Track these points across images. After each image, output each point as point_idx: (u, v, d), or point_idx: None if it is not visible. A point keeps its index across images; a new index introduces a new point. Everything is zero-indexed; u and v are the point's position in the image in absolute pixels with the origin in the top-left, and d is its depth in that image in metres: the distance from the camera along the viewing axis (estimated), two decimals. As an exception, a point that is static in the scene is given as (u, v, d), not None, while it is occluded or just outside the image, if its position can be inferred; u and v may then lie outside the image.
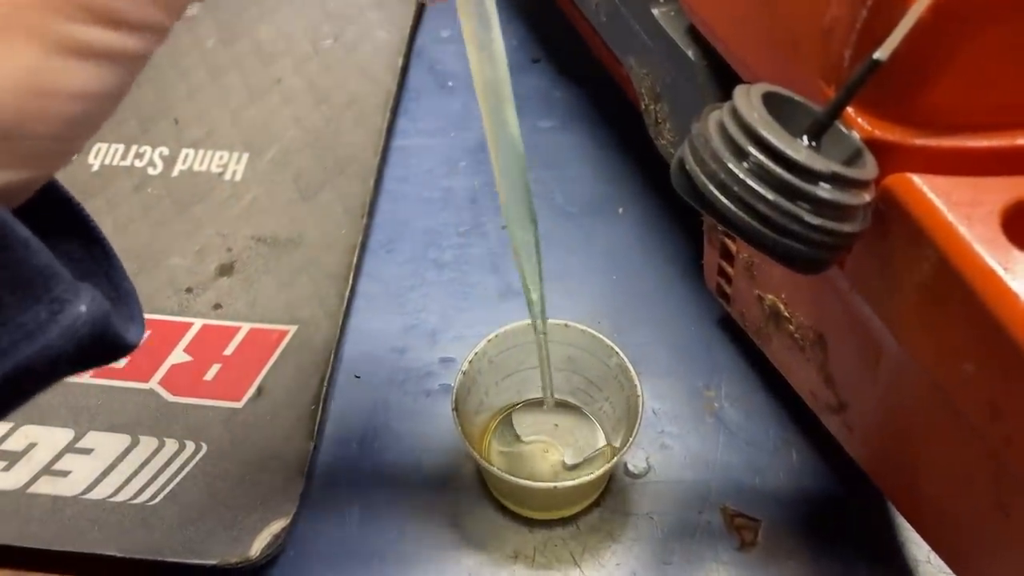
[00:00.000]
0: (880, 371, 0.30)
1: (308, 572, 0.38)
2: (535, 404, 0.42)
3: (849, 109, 0.24)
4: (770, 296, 0.35)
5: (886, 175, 0.24)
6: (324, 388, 0.42)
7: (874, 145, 0.24)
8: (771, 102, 0.23)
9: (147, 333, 0.43)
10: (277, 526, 0.37)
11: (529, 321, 0.38)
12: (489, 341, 0.38)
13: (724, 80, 0.33)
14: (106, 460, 0.40)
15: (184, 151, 0.53)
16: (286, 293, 0.46)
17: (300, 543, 0.39)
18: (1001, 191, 0.23)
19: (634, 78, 0.40)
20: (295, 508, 0.38)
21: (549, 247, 0.49)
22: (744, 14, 0.29)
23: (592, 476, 0.35)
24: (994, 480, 0.26)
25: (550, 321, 0.39)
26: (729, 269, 0.39)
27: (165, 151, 0.53)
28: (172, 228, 0.49)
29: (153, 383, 0.43)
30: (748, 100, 0.23)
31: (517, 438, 0.41)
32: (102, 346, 0.20)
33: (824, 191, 0.22)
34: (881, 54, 0.22)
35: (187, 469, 0.40)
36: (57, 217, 0.21)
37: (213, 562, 0.36)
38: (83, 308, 0.19)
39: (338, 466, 0.41)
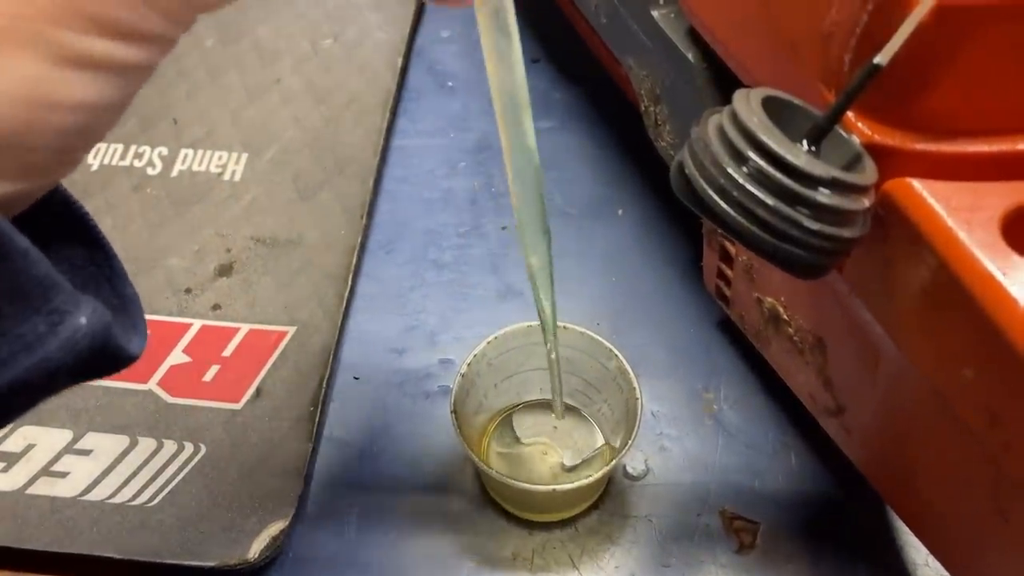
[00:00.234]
0: (879, 375, 0.30)
1: (306, 574, 0.38)
2: (535, 406, 0.42)
3: (849, 113, 0.24)
4: (769, 299, 0.35)
5: (886, 180, 0.24)
6: (323, 389, 0.42)
7: (874, 150, 0.24)
8: (771, 106, 0.23)
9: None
10: (276, 528, 0.37)
11: (528, 323, 0.38)
12: (488, 343, 0.38)
13: (724, 83, 0.33)
14: (105, 461, 0.40)
15: (183, 151, 0.53)
16: (285, 294, 0.46)
17: (299, 545, 0.39)
18: (1001, 196, 0.23)
19: (634, 80, 0.40)
20: (293, 510, 0.38)
21: (548, 248, 0.49)
22: (744, 17, 0.29)
23: (591, 479, 0.35)
24: (993, 485, 0.26)
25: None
26: (728, 272, 0.39)
27: (164, 151, 0.53)
28: (171, 228, 0.49)
29: (152, 384, 0.43)
30: (748, 104, 0.23)
31: (516, 440, 0.41)
32: (102, 358, 0.20)
33: (823, 196, 0.22)
34: (881, 59, 0.22)
35: (186, 471, 0.40)
36: (59, 221, 0.21)
37: (211, 564, 0.36)
38: (83, 320, 0.19)
39: (337, 468, 0.41)
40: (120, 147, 0.53)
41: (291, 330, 0.45)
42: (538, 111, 0.55)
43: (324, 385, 0.42)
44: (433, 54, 0.60)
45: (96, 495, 0.39)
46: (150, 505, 0.38)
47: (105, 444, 0.40)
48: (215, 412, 0.42)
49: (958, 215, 0.23)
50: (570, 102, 0.57)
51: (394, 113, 0.56)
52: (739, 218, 0.23)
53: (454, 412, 0.36)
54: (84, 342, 0.19)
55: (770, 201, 0.22)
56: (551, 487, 0.35)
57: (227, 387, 0.42)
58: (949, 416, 0.26)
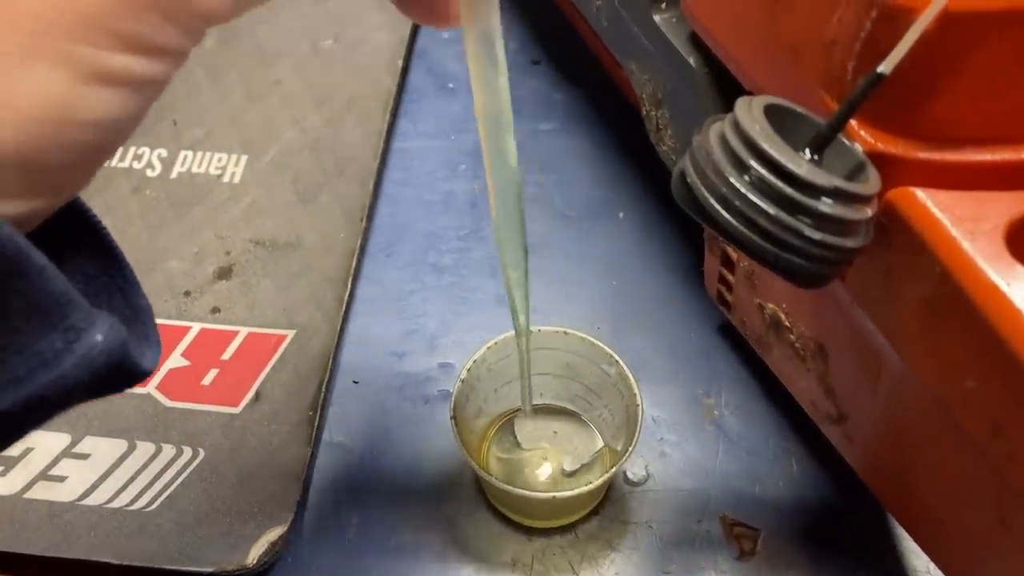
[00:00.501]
0: (881, 384, 0.29)
1: (305, 579, 0.38)
2: (535, 410, 0.42)
3: (852, 121, 0.24)
4: (771, 305, 0.35)
5: (889, 189, 0.24)
6: (322, 393, 0.42)
7: (877, 158, 0.24)
8: (773, 114, 0.23)
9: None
10: (274, 533, 0.37)
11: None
12: (488, 348, 0.38)
13: (725, 88, 0.33)
14: (103, 466, 0.40)
15: (183, 153, 0.53)
16: (284, 297, 0.46)
17: (297, 550, 0.38)
18: (1006, 206, 0.23)
19: (635, 83, 0.40)
20: (292, 515, 0.38)
21: (548, 251, 0.49)
22: (746, 22, 0.29)
23: (591, 486, 0.35)
24: (996, 495, 0.26)
25: (548, 328, 0.39)
26: (730, 277, 0.39)
27: (164, 153, 0.53)
28: (170, 230, 0.49)
29: (150, 388, 0.42)
30: (750, 112, 0.23)
31: (516, 444, 0.41)
32: (118, 374, 0.20)
33: (826, 206, 0.22)
34: (885, 67, 0.22)
35: (184, 475, 0.39)
36: (72, 229, 0.21)
37: (210, 570, 0.36)
38: (99, 337, 0.19)
39: (336, 473, 0.41)
40: (119, 148, 0.53)
41: (290, 333, 0.44)
42: (539, 113, 0.56)
43: (323, 389, 0.42)
44: (434, 55, 0.60)
45: (94, 499, 0.38)
46: (148, 510, 0.38)
47: (103, 448, 0.40)
48: (214, 416, 0.41)
49: (962, 225, 0.23)
50: (571, 103, 0.57)
51: (394, 115, 0.55)
52: (740, 227, 0.22)
53: (454, 418, 0.36)
54: (100, 359, 0.19)
55: (772, 210, 0.22)
56: (551, 494, 0.35)
57: (226, 391, 0.42)
58: (951, 425, 0.26)
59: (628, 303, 0.47)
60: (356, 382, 0.44)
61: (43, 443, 0.40)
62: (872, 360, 0.29)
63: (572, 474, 0.40)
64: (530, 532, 0.39)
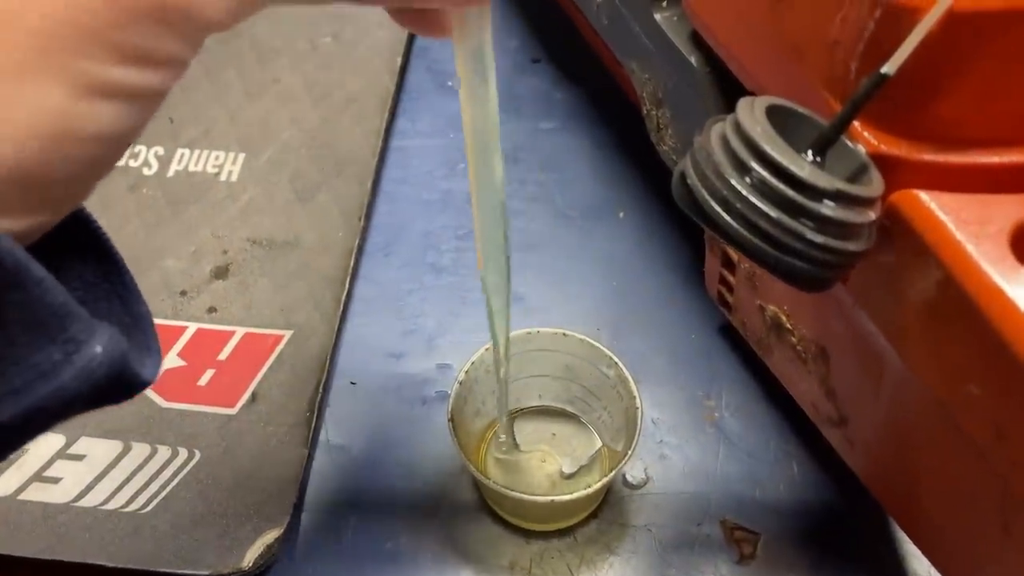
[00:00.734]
0: (883, 387, 0.29)
1: (301, 582, 0.38)
2: (534, 412, 0.42)
3: (855, 123, 0.24)
4: (772, 307, 0.35)
5: (892, 191, 0.24)
6: (319, 394, 0.42)
7: (880, 160, 0.23)
8: (775, 115, 0.23)
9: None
10: (270, 536, 0.37)
11: (527, 330, 0.38)
12: (487, 349, 0.38)
13: (727, 87, 0.32)
14: (98, 467, 0.39)
15: (180, 151, 0.52)
16: (281, 297, 0.46)
17: (293, 553, 0.38)
18: (1011, 209, 0.23)
19: (636, 82, 0.39)
20: (288, 517, 0.37)
21: (548, 251, 0.49)
22: (749, 21, 0.29)
23: (590, 490, 0.34)
24: (999, 500, 0.25)
25: (547, 329, 0.38)
26: (731, 278, 0.39)
27: (160, 151, 0.52)
28: (167, 229, 0.49)
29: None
30: (751, 113, 0.23)
31: (515, 446, 0.40)
32: (118, 385, 0.20)
33: (828, 208, 0.22)
34: (889, 68, 0.21)
35: (180, 476, 0.39)
36: (73, 236, 0.21)
37: (205, 572, 0.36)
38: (99, 349, 0.18)
39: (333, 474, 0.41)
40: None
41: (287, 334, 0.44)
42: (539, 112, 0.56)
43: (320, 390, 0.42)
44: (433, 53, 0.59)
45: (89, 501, 0.38)
46: (143, 512, 0.38)
47: (98, 449, 0.40)
48: (210, 417, 0.41)
49: (967, 228, 0.23)
50: (571, 102, 0.56)
51: (393, 113, 0.55)
52: (741, 230, 0.22)
53: (451, 420, 0.36)
54: (100, 371, 0.18)
55: (773, 213, 0.22)
56: (549, 498, 0.34)
57: (222, 392, 0.42)
58: (954, 430, 0.26)
59: (628, 303, 0.47)
60: (353, 383, 0.44)
61: (38, 444, 0.40)
62: (874, 363, 0.29)
63: (571, 476, 0.39)
64: (528, 535, 0.39)
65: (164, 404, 0.42)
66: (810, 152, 0.22)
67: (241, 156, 0.52)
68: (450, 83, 0.58)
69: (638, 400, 0.36)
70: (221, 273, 0.47)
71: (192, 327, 0.45)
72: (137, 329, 0.22)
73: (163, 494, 0.39)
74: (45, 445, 0.40)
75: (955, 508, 0.29)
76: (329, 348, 0.43)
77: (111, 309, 0.22)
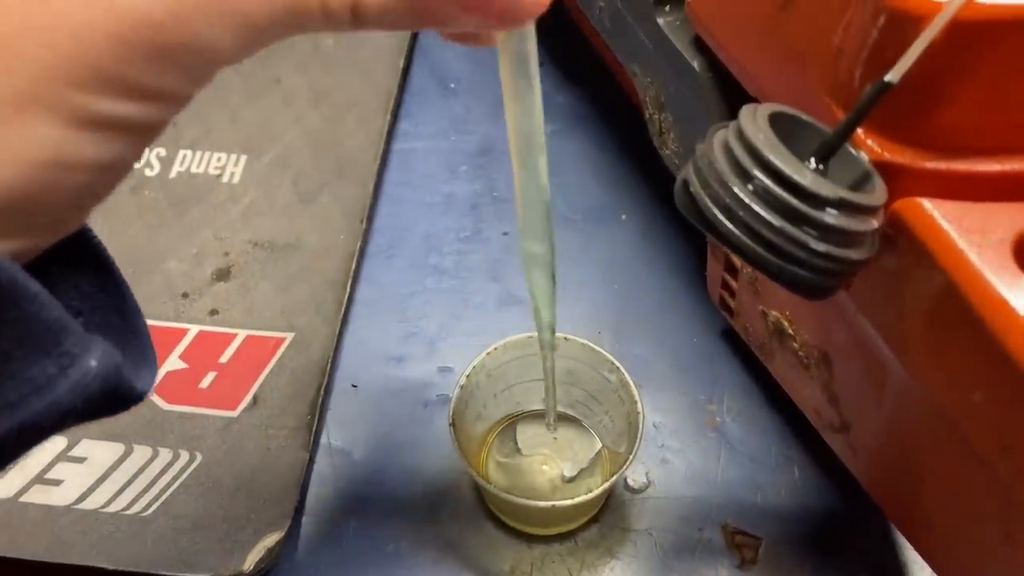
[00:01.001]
0: (886, 394, 0.29)
1: (302, 585, 0.38)
2: (536, 416, 0.42)
3: (858, 130, 0.24)
4: (774, 312, 0.35)
5: (896, 199, 0.24)
6: (321, 397, 0.42)
7: (884, 168, 0.23)
8: (778, 122, 0.23)
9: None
10: (271, 539, 0.37)
11: (528, 334, 0.38)
12: (488, 353, 0.38)
13: (729, 92, 0.32)
14: (99, 469, 0.39)
15: (182, 152, 0.52)
16: (283, 299, 0.46)
17: (294, 556, 0.38)
18: (1014, 218, 0.23)
19: (638, 86, 0.39)
20: (289, 521, 0.37)
21: (550, 254, 0.49)
22: (752, 27, 0.29)
23: (591, 495, 0.34)
24: (1002, 509, 0.25)
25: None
26: (733, 282, 0.38)
27: (162, 152, 0.52)
28: (169, 231, 0.49)
29: (148, 390, 0.42)
30: (754, 121, 0.22)
31: (516, 450, 0.40)
32: (113, 399, 0.20)
33: (831, 217, 0.22)
34: (892, 76, 0.21)
35: (181, 479, 0.39)
36: (70, 246, 0.21)
37: (206, 576, 0.36)
38: (93, 363, 0.19)
39: (334, 478, 0.40)
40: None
41: (289, 336, 0.44)
42: (541, 114, 0.55)
43: (322, 393, 0.42)
44: (436, 55, 0.59)
45: (90, 504, 0.38)
46: (144, 515, 0.38)
47: (99, 452, 0.40)
48: (211, 420, 0.41)
49: (969, 237, 0.22)
50: (574, 105, 0.56)
51: (395, 115, 0.55)
52: (744, 238, 0.22)
53: (452, 424, 0.36)
54: (94, 384, 0.19)
55: (776, 221, 0.22)
56: (550, 503, 0.34)
57: (224, 394, 0.42)
58: (957, 438, 0.26)
59: (630, 307, 0.47)
60: (355, 386, 0.44)
61: (39, 446, 0.40)
62: (877, 370, 0.29)
63: (572, 480, 0.39)
64: (529, 539, 0.38)
65: (166, 406, 0.42)
66: (813, 160, 0.22)
67: (243, 158, 0.52)
68: (452, 85, 0.58)
69: (639, 405, 0.36)
70: (223, 275, 0.47)
71: (194, 329, 0.45)
72: (133, 340, 0.22)
73: (164, 497, 0.39)
74: (46, 447, 0.40)
75: (957, 516, 0.29)
76: (331, 351, 0.43)
77: (107, 320, 0.22)
